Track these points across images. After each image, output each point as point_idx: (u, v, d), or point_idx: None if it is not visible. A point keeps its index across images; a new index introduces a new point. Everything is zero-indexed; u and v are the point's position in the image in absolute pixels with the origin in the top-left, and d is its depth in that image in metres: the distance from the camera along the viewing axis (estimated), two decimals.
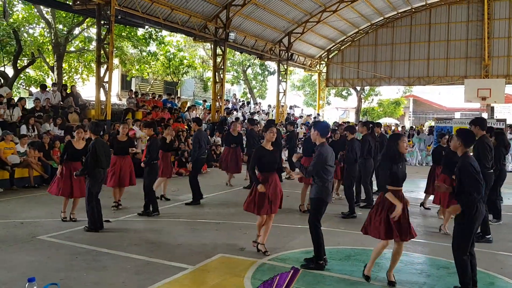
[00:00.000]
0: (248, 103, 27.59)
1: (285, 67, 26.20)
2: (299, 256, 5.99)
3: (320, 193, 5.54)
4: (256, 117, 22.51)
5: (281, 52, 25.20)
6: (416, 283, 5.31)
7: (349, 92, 36.78)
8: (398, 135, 5.24)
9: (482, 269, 5.77)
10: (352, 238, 7.12)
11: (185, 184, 10.31)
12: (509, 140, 18.00)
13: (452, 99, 36.86)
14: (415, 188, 12.19)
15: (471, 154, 5.31)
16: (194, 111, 20.17)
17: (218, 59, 20.45)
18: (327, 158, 5.52)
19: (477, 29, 25.12)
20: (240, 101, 26.93)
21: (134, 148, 9.05)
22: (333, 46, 29.25)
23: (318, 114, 29.37)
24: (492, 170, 7.42)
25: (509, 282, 5.48)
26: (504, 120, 18.32)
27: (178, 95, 26.79)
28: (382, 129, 12.29)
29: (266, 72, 33.95)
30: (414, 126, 27.94)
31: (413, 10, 26.56)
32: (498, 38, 24.65)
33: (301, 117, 26.90)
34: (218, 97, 20.60)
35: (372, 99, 38.16)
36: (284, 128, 19.64)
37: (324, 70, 30.36)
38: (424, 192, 9.78)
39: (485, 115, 24.23)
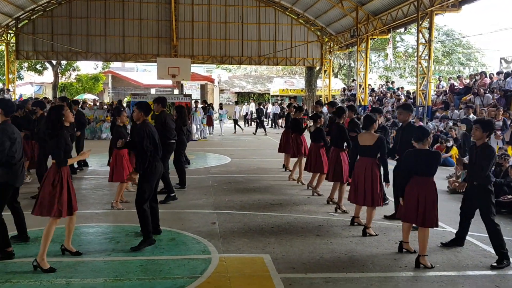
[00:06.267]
0: None
1: None
2: None
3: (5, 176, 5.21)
4: None
5: None
6: (106, 250, 5.69)
7: (44, 66, 34.12)
8: (62, 106, 5.29)
9: (166, 227, 6.62)
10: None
11: None
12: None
13: (149, 76, 38.87)
14: None
15: None
16: None
17: None
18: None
19: (166, 11, 27.05)
20: None
21: None
22: (23, 14, 26.47)
23: (8, 90, 26.31)
24: (173, 140, 8.53)
25: (189, 235, 6.34)
26: (190, 96, 20.71)
27: None
28: None
29: None
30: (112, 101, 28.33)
31: None
32: (184, 21, 27.30)
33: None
34: None
35: (70, 74, 36.48)
36: None
37: (13, 40, 27.23)
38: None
39: (176, 91, 26.77)
